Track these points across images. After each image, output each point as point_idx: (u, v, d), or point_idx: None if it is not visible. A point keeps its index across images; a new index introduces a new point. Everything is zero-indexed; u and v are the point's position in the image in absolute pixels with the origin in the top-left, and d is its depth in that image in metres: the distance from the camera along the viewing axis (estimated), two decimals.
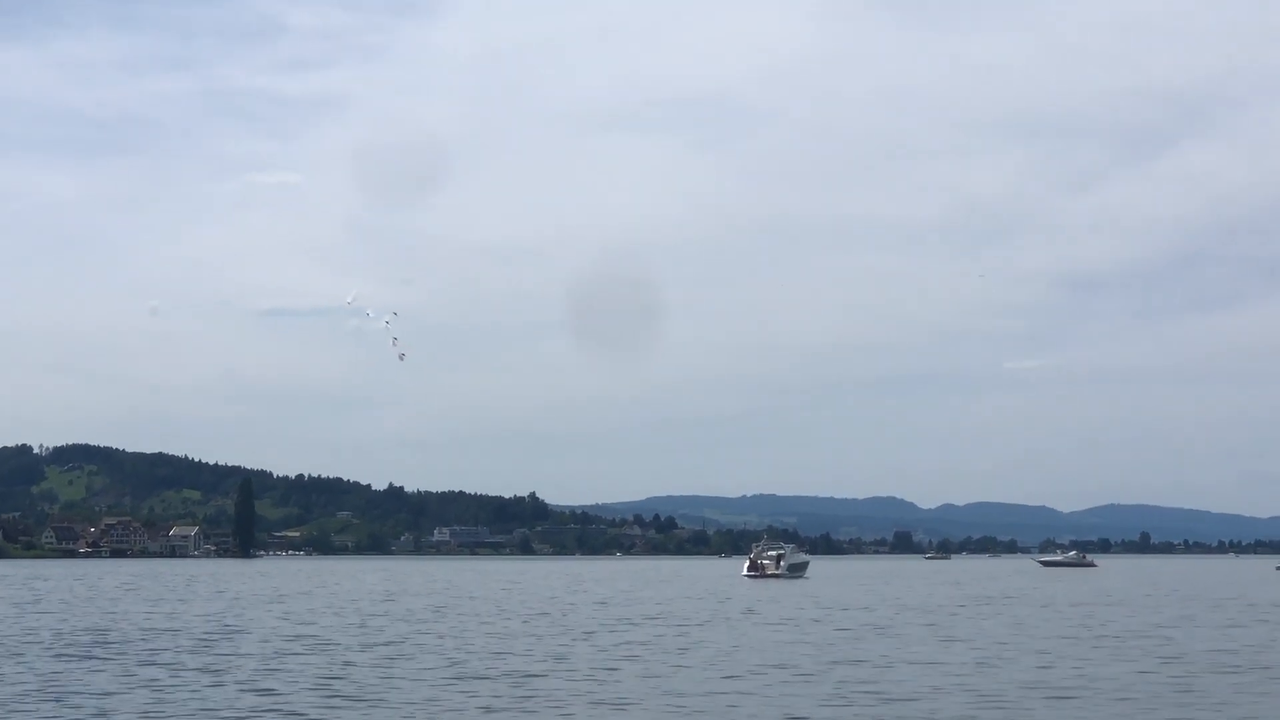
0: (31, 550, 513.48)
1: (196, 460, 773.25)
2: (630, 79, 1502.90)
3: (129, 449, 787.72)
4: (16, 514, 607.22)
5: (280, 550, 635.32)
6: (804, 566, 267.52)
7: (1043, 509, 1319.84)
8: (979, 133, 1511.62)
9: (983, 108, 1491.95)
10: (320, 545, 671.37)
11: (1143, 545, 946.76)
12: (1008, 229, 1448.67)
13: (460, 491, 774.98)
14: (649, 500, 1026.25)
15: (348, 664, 66.00)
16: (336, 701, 51.18)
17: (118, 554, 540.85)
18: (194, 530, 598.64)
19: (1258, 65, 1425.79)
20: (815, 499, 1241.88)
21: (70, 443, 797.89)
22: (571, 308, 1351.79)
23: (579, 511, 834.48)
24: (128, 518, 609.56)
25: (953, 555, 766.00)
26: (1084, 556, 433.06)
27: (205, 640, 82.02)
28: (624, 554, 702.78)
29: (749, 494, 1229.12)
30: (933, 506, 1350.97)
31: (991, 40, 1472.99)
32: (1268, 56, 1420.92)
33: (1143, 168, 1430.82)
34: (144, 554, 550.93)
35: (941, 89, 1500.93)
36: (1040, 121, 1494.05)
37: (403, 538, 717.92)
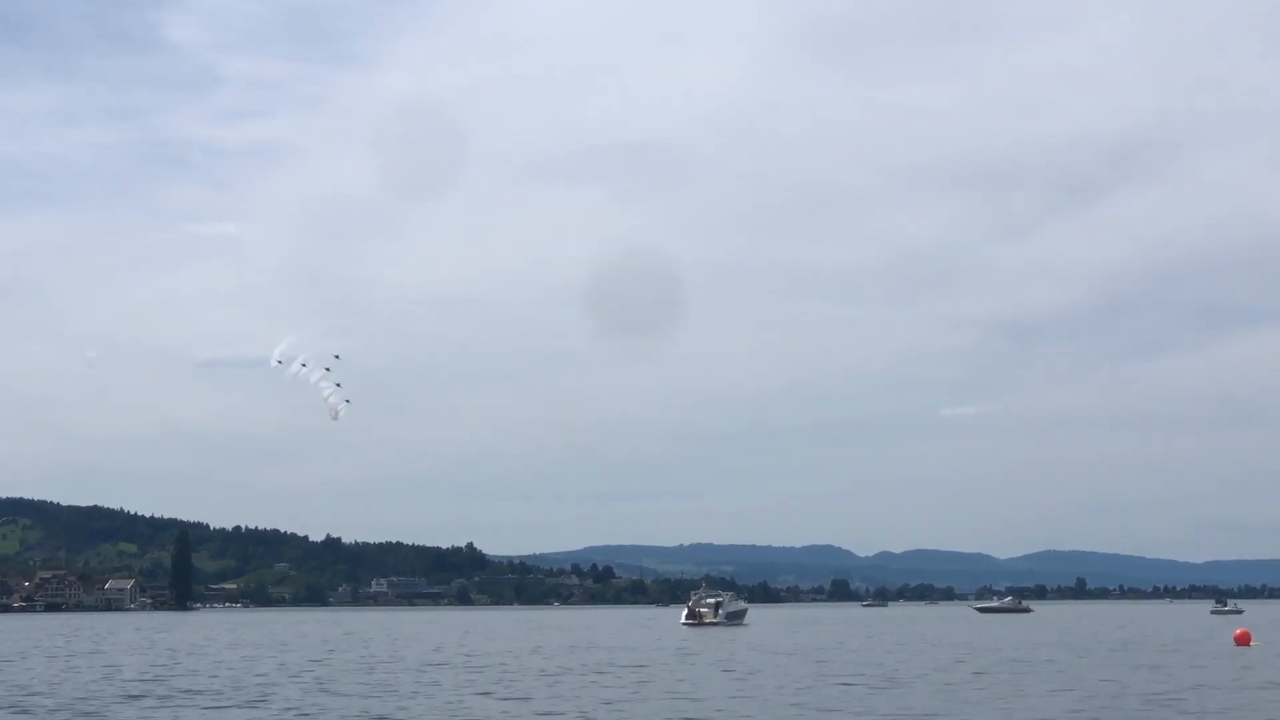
0: None
1: (132, 513, 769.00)
2: (568, 127, 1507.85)
3: (64, 502, 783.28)
4: None
5: (218, 603, 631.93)
6: (742, 614, 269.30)
7: (980, 555, 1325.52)
8: (916, 180, 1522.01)
9: (919, 155, 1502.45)
10: (257, 597, 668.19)
11: (1079, 591, 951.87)
12: (945, 276, 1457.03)
13: (398, 542, 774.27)
14: (586, 550, 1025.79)
15: None
16: None
17: (52, 608, 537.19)
18: (130, 583, 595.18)
19: (1190, 112, 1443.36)
20: (752, 548, 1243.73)
21: (3, 496, 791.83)
22: (507, 357, 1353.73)
23: (517, 561, 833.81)
24: (63, 571, 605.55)
25: (890, 603, 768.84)
26: (1020, 602, 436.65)
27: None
28: (562, 604, 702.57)
29: (686, 543, 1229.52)
30: (870, 554, 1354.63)
31: (928, 88, 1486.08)
32: (1199, 103, 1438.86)
33: (1079, 215, 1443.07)
34: (79, 608, 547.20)
35: (878, 137, 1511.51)
36: (977, 169, 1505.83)
37: (340, 589, 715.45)
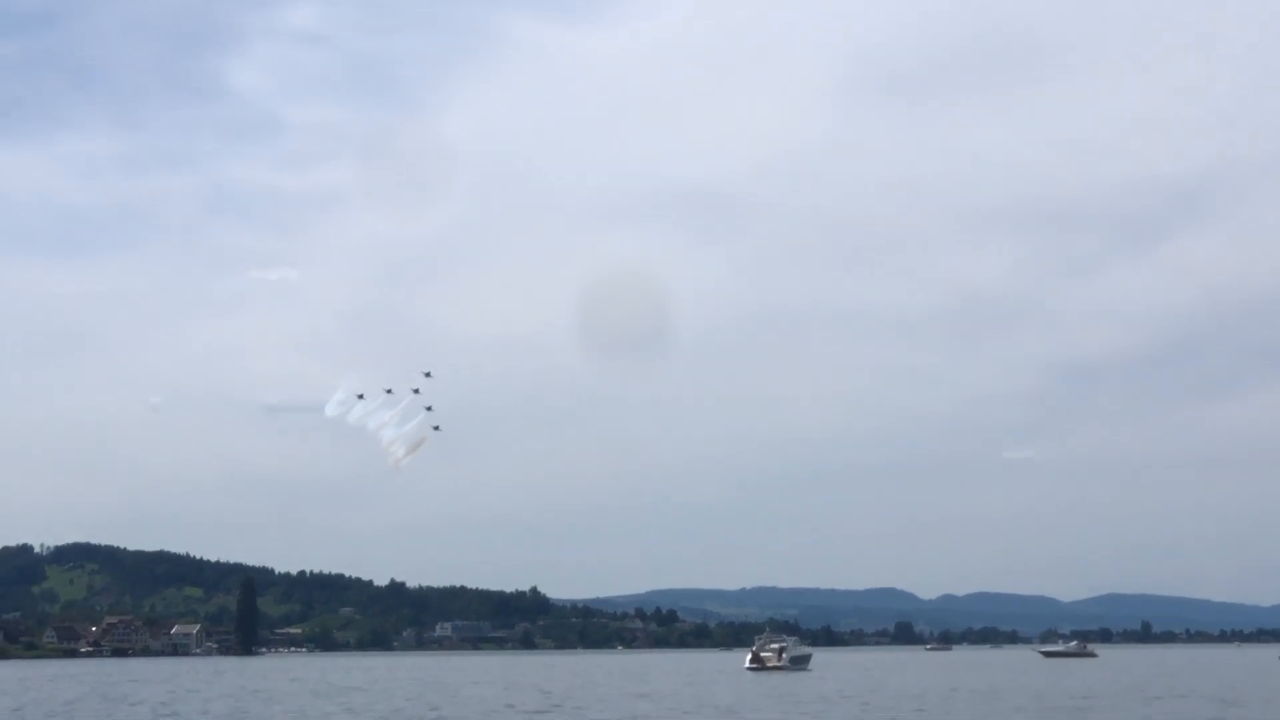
0: (33, 650, 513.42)
1: (198, 558, 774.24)
2: (631, 171, 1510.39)
3: (130, 547, 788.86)
4: (17, 614, 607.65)
5: (282, 647, 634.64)
6: (806, 659, 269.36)
7: (1043, 599, 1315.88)
8: (977, 223, 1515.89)
9: (980, 198, 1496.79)
10: (322, 642, 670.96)
11: (1144, 635, 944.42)
12: (1006, 318, 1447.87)
13: (462, 586, 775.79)
14: (650, 593, 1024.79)
15: None
16: None
17: (119, 653, 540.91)
18: (196, 628, 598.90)
19: (1253, 154, 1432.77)
20: (816, 591, 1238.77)
21: (71, 542, 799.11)
22: (569, 400, 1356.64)
23: (580, 605, 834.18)
24: (129, 616, 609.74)
25: (954, 646, 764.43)
26: (1085, 646, 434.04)
27: None
28: (626, 648, 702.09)
29: (750, 586, 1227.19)
30: (933, 597, 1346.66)
31: (989, 131, 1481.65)
32: (1262, 145, 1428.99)
33: (1140, 257, 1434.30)
34: (146, 652, 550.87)
35: (939, 180, 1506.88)
36: (1038, 212, 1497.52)
37: (405, 633, 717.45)
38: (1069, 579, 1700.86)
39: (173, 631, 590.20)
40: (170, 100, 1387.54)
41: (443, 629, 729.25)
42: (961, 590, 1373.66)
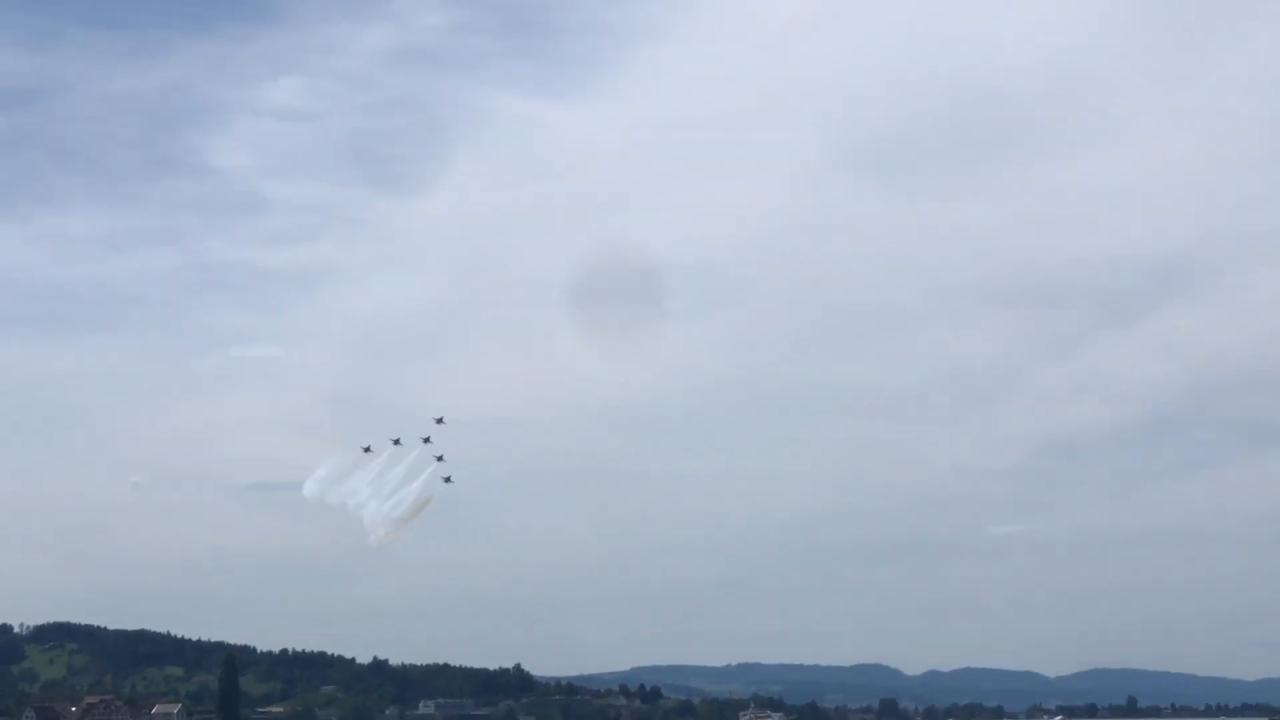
0: None
1: (179, 636, 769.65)
2: (611, 248, 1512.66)
3: (110, 626, 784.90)
4: None
5: None
6: None
7: (1029, 674, 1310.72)
8: (962, 299, 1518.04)
9: (965, 275, 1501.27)
10: None
11: (1130, 710, 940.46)
12: (991, 395, 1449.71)
13: (445, 664, 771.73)
14: (634, 670, 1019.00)
15: None
16: None
17: None
18: (177, 707, 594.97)
19: (1232, 230, 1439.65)
20: (800, 666, 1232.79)
21: (50, 621, 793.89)
22: (553, 477, 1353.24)
23: (564, 683, 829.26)
24: (109, 696, 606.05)
25: None
26: None
27: None
28: None
29: (734, 663, 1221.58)
30: (919, 673, 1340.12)
31: (973, 208, 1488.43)
32: (1241, 221, 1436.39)
33: (1122, 333, 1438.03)
34: None
35: (924, 256, 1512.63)
36: (1023, 288, 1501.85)
37: (388, 711, 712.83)
38: (1054, 654, 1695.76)
39: (154, 711, 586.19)
40: (153, 178, 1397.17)
41: (426, 707, 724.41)
42: (947, 666, 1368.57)
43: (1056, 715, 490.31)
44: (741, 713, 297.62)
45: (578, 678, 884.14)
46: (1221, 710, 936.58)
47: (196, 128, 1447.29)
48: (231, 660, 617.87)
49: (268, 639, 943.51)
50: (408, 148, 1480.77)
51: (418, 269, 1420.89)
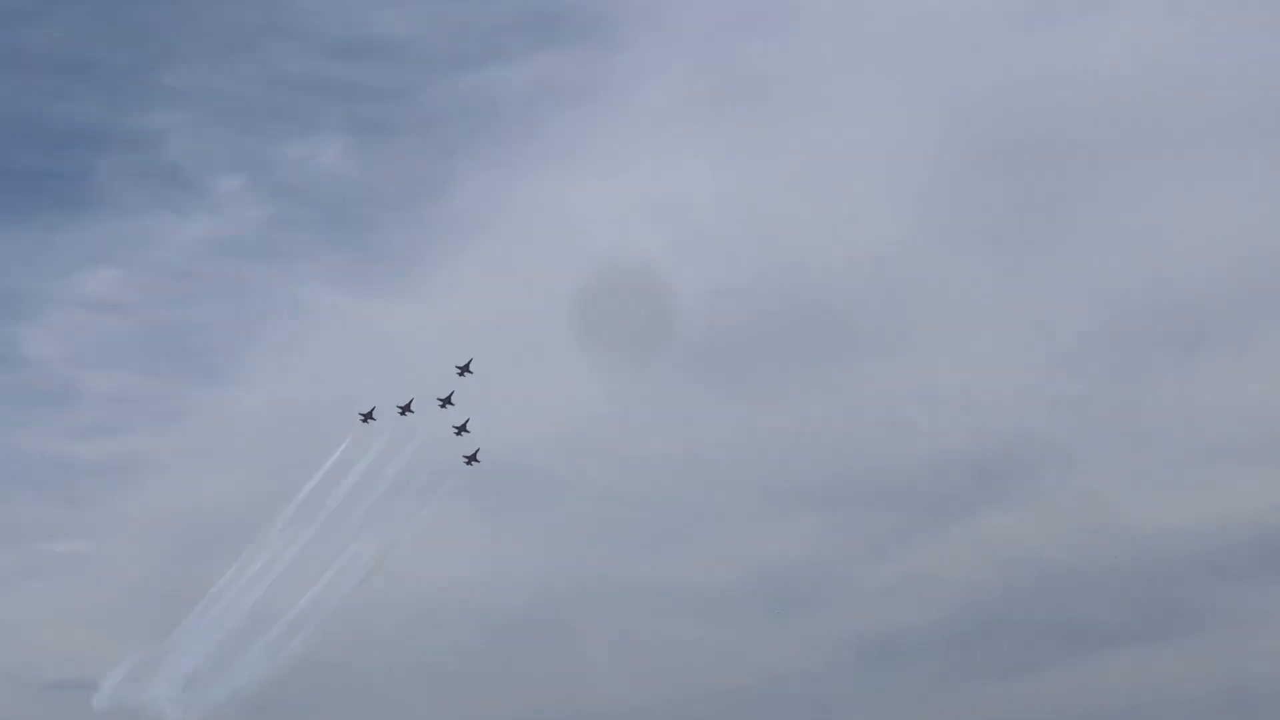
0: None
1: None
2: (424, 448, 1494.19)
3: None
4: None
5: None
6: None
7: None
8: (777, 499, 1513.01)
9: (780, 474, 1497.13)
10: None
11: None
12: (807, 596, 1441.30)
13: None
14: None
15: None
16: None
17: None
18: None
19: (1049, 432, 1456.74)
20: None
21: None
22: (359, 680, 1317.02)
23: None
24: None
25: None
26: None
27: None
28: None
29: None
30: None
31: (789, 408, 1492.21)
32: (1059, 424, 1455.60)
33: (940, 534, 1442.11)
34: None
35: (739, 455, 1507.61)
36: (839, 488, 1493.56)
37: None
38: None
39: None
40: None
41: None
42: None
43: None
44: None
45: None
46: None
47: (9, 317, 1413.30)
48: None
49: None
50: (222, 339, 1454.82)
51: (229, 461, 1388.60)
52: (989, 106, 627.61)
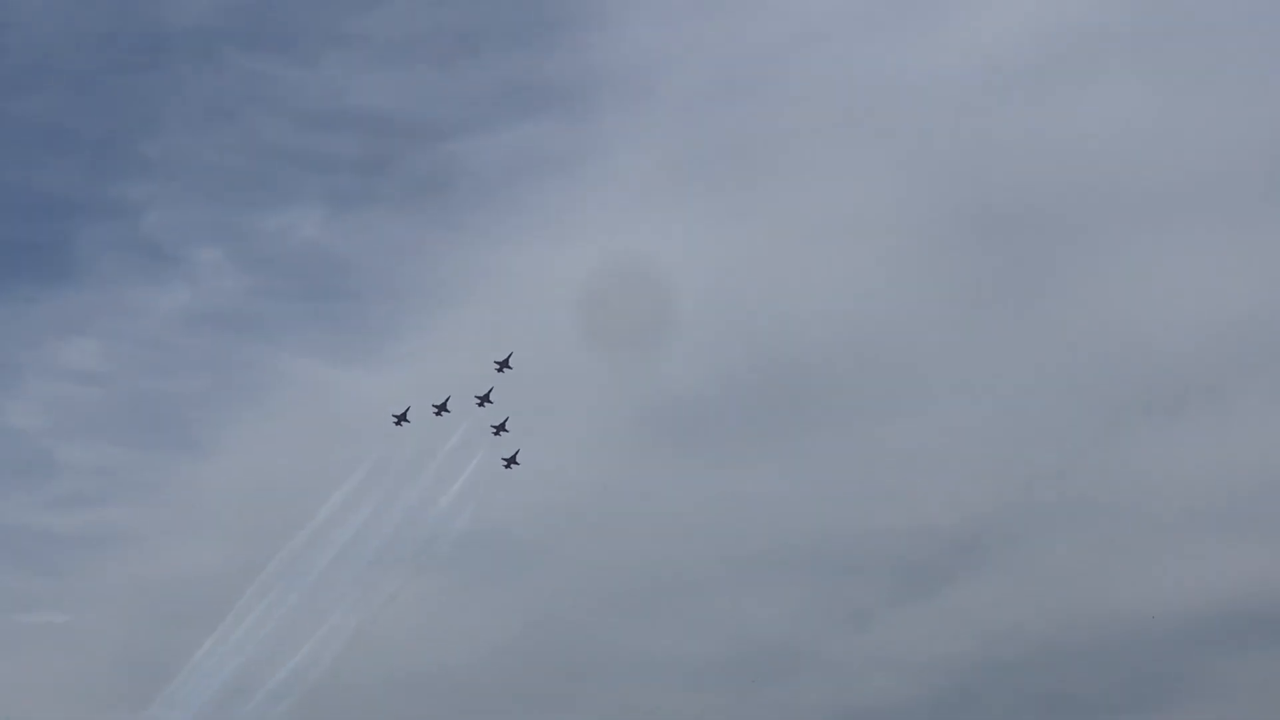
0: None
1: None
2: (407, 517, 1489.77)
3: None
4: None
5: None
6: None
7: None
8: (757, 569, 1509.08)
9: (760, 544, 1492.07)
10: None
11: None
12: (786, 667, 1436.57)
13: None
14: None
15: None
16: None
17: None
18: None
19: (1029, 503, 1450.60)
20: None
21: None
22: None
23: None
24: None
25: None
26: None
27: None
28: None
29: None
30: None
31: (769, 478, 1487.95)
32: (1039, 495, 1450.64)
33: (920, 605, 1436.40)
34: None
35: (718, 525, 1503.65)
36: (819, 558, 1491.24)
37: None
38: None
39: None
40: None
41: None
42: None
43: None
44: None
45: None
46: None
47: None
48: None
49: None
50: (201, 411, 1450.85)
51: (208, 532, 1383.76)
52: (967, 173, 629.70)
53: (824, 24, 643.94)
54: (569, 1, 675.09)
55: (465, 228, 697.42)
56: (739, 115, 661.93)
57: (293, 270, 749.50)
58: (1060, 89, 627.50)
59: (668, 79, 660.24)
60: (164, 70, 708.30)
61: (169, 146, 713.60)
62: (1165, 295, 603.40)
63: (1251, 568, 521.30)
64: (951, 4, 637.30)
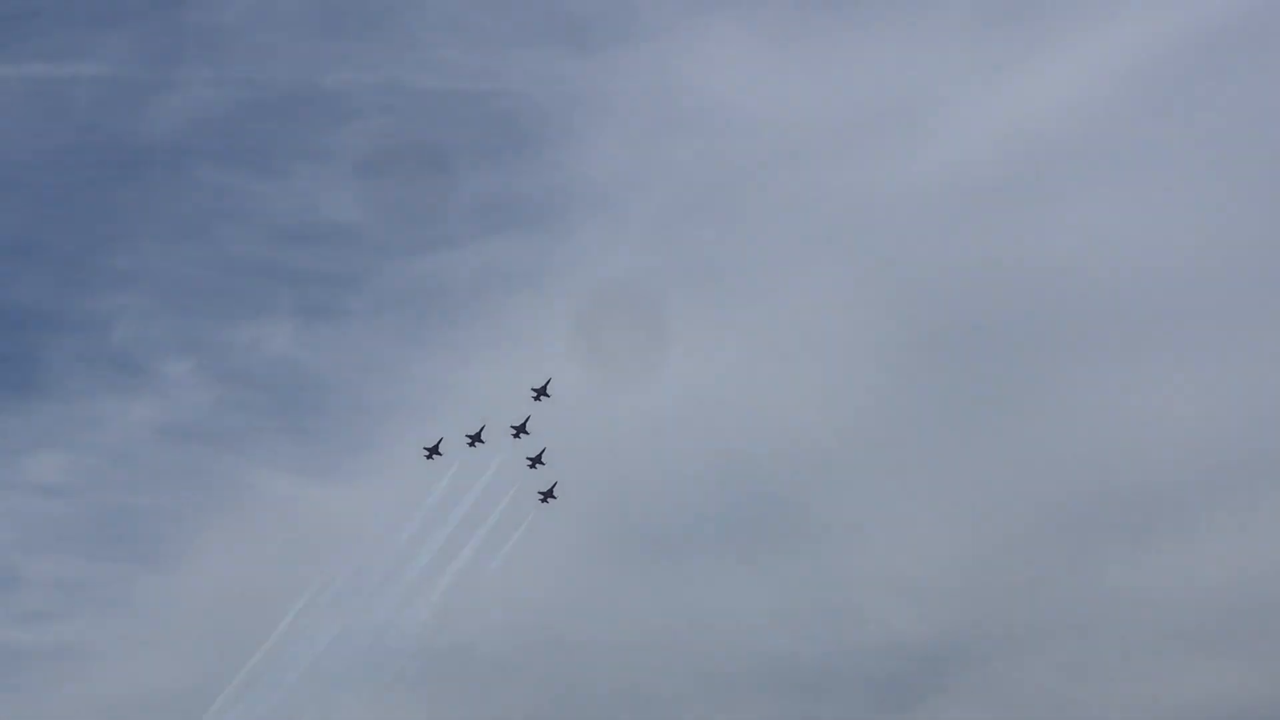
0: None
1: None
2: (367, 628, 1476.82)
3: None
4: None
5: None
6: None
7: None
8: (727, 687, 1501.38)
9: (729, 660, 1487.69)
10: None
11: None
12: None
13: None
14: None
15: None
16: None
17: None
18: None
19: (999, 620, 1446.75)
20: None
21: None
22: None
23: None
24: None
25: None
26: None
27: None
28: None
29: None
30: None
31: (736, 595, 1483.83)
32: (1006, 612, 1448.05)
33: None
34: None
35: (688, 643, 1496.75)
36: (789, 676, 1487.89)
37: None
38: None
39: None
40: None
41: None
42: None
43: None
44: None
45: None
46: None
47: None
48: None
49: None
50: (169, 524, 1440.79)
51: (173, 647, 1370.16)
52: (938, 294, 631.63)
53: (794, 143, 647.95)
54: (540, 119, 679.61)
55: (436, 343, 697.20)
56: (709, 233, 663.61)
57: (263, 383, 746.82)
58: (1033, 206, 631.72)
59: (638, 196, 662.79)
60: (135, 183, 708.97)
61: (139, 259, 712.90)
62: (1137, 415, 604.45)
63: (1222, 687, 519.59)
64: (921, 123, 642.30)
